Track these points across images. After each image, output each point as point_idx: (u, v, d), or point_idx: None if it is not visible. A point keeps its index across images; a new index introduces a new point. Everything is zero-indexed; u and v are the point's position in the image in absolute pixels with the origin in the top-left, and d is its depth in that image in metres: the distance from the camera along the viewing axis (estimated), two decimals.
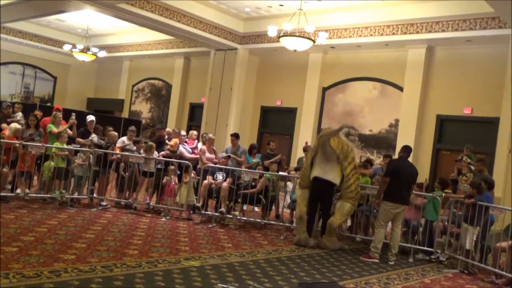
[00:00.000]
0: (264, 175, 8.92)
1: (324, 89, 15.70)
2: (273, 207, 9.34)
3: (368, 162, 9.26)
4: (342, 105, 15.27)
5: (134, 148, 9.47)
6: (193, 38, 16.39)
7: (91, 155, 8.77)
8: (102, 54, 19.13)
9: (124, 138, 9.71)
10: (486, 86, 12.26)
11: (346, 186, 7.57)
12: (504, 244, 6.74)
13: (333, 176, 7.55)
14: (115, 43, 21.53)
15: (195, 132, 10.69)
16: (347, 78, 15.20)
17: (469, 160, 9.39)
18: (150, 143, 9.16)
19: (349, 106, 15.09)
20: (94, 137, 9.30)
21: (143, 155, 9.00)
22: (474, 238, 7.08)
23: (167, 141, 9.76)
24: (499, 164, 11.16)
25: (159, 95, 21.61)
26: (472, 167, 8.95)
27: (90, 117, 10.03)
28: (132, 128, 9.96)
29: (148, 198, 9.05)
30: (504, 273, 6.61)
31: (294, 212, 8.58)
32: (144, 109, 22.18)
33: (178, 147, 9.70)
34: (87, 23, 18.28)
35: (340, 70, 15.31)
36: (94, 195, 8.97)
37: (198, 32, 15.67)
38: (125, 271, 5.07)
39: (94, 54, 18.61)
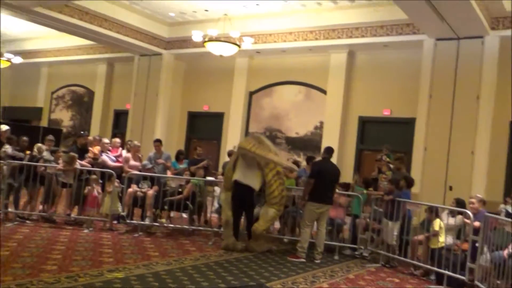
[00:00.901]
0: (191, 180, 8.82)
1: (251, 94, 15.82)
2: (202, 212, 9.26)
3: (295, 164, 9.40)
4: (269, 109, 15.46)
5: (52, 158, 9.02)
6: (116, 43, 15.92)
7: (4, 167, 8.24)
8: (18, 60, 18.10)
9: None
10: (403, 88, 12.89)
11: (269, 192, 7.64)
12: (420, 237, 7.10)
13: (252, 181, 7.61)
14: (32, 49, 20.44)
15: (118, 140, 10.37)
16: (273, 82, 15.40)
17: (388, 159, 9.81)
18: (72, 154, 8.73)
19: (276, 109, 15.30)
20: (7, 148, 8.74)
21: (61, 165, 8.56)
22: (395, 233, 7.40)
23: (90, 149, 9.40)
24: (416, 161, 11.77)
25: (81, 103, 20.77)
26: (391, 166, 9.36)
27: (4, 127, 9.43)
28: (50, 137, 9.49)
29: (68, 210, 8.64)
30: (421, 264, 6.96)
31: (218, 217, 8.58)
32: (65, 117, 21.22)
33: (101, 155, 9.37)
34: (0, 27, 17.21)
35: (266, 75, 15.49)
36: (9, 209, 8.43)
37: (121, 37, 15.25)
38: None
39: (9, 60, 17.56)
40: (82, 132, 9.83)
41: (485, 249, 6.09)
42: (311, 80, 14.63)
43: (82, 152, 9.19)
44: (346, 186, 8.92)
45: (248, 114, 15.81)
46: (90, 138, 10.37)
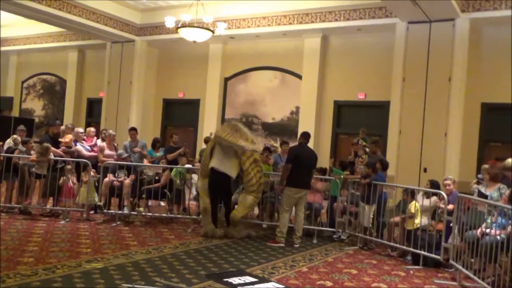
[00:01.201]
0: (173, 169, 8.78)
1: (226, 80, 15.72)
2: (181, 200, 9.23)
3: (267, 150, 9.40)
4: (244, 94, 15.41)
5: (24, 149, 8.83)
6: (87, 30, 15.56)
7: None
8: None
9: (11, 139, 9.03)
10: (377, 72, 12.99)
11: (247, 180, 7.65)
12: (397, 219, 7.24)
13: (228, 168, 7.62)
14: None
15: (92, 129, 10.20)
16: (248, 68, 15.33)
17: (364, 143, 9.90)
18: (46, 144, 8.52)
19: (251, 95, 15.26)
20: None
21: (34, 156, 8.39)
22: (371, 216, 7.52)
23: (61, 139, 9.22)
24: (391, 144, 11.94)
25: (53, 91, 20.33)
26: (367, 149, 9.45)
27: None
28: (21, 127, 9.30)
29: (42, 201, 8.49)
30: (398, 245, 7.10)
31: (197, 204, 8.57)
32: (36, 106, 20.75)
33: (75, 144, 9.22)
34: None
35: (241, 60, 15.41)
36: None
37: (92, 23, 14.91)
38: (19, 281, 4.71)
39: None
40: (54, 121, 9.63)
41: (456, 229, 6.24)
42: (286, 65, 14.62)
43: (55, 141, 9.01)
44: (323, 171, 8.99)
45: (223, 100, 15.73)
46: (63, 127, 10.18)
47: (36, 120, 19.69)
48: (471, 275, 5.65)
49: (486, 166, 8.93)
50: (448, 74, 11.27)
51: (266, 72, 15.02)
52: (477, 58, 11.42)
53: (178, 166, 9.04)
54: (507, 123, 10.82)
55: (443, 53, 11.32)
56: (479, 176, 9.13)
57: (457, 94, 11.28)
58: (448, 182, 7.27)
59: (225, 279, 5.25)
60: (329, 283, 5.45)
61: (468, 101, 11.38)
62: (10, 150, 8.57)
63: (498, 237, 5.38)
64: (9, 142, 8.99)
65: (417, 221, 6.89)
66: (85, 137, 9.74)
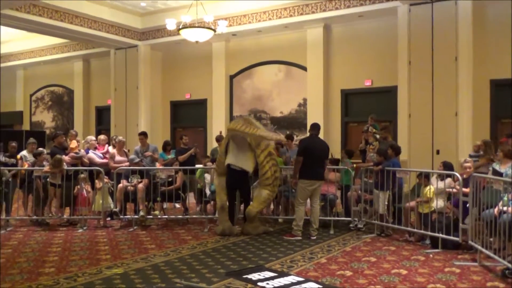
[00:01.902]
0: (198, 170, 8.87)
1: (231, 77, 15.72)
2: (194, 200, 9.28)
3: (280, 144, 9.39)
4: (250, 90, 15.40)
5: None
6: (90, 39, 15.66)
7: None
8: None
9: (25, 152, 9.13)
10: (382, 57, 12.90)
11: (262, 173, 7.65)
12: (412, 203, 7.20)
13: (245, 163, 7.61)
14: (4, 52, 20.00)
15: (102, 137, 10.26)
16: (252, 63, 15.31)
17: (374, 130, 9.86)
18: (58, 157, 8.57)
19: (258, 91, 15.25)
20: None
21: (47, 168, 8.45)
22: (386, 202, 7.49)
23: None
24: (401, 129, 11.86)
25: (61, 102, 20.49)
26: (377, 136, 9.42)
27: None
28: (31, 140, 9.40)
29: (58, 211, 8.58)
30: (415, 230, 7.07)
31: (213, 203, 8.59)
32: (46, 118, 20.94)
33: (87, 151, 9.31)
34: None
35: (245, 57, 15.39)
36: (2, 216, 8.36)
37: (94, 32, 14.98)
38: None
39: None
40: (57, 132, 9.75)
41: (471, 208, 6.19)
42: (290, 57, 14.57)
43: (63, 151, 9.10)
44: (336, 162, 8.96)
45: (230, 98, 15.74)
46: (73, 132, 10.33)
47: (47, 132, 19.88)
48: (491, 254, 5.61)
49: (478, 143, 9.03)
50: (454, 53, 11.16)
51: (271, 67, 14.99)
52: (482, 35, 11.28)
53: (191, 167, 9.09)
54: None
55: (448, 32, 11.20)
56: (471, 153, 9.19)
57: (465, 73, 11.17)
58: (468, 164, 7.19)
59: (244, 276, 5.27)
60: (348, 273, 5.45)
61: (476, 79, 11.26)
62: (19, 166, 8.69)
63: None
64: (23, 155, 9.11)
65: (432, 204, 6.85)
66: (97, 144, 9.81)
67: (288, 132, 11.35)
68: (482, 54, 11.24)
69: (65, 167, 8.51)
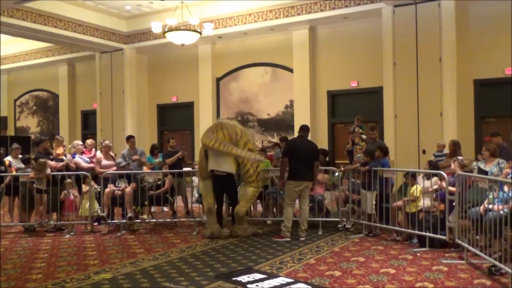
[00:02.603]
0: (169, 174, 8.79)
1: (218, 80, 15.73)
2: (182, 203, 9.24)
3: (277, 146, 9.38)
4: (237, 93, 15.42)
5: (23, 166, 8.84)
6: (74, 42, 15.55)
7: None
8: None
9: (9, 158, 9.03)
10: (368, 58, 13.01)
11: (244, 171, 7.62)
12: (399, 203, 7.25)
13: (227, 166, 7.59)
14: None
15: (89, 142, 10.18)
16: (239, 66, 15.34)
17: (360, 130, 9.94)
18: (42, 160, 8.50)
19: (244, 93, 15.27)
20: None
21: (33, 174, 8.36)
22: (374, 202, 7.54)
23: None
24: (387, 129, 11.97)
25: (46, 107, 20.30)
26: (364, 136, 9.48)
27: None
28: (15, 145, 9.30)
29: (45, 217, 8.49)
30: (403, 229, 7.12)
31: (201, 206, 8.56)
32: (31, 123, 20.73)
33: (73, 156, 9.23)
34: None
35: (231, 59, 15.41)
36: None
37: (78, 36, 14.88)
38: None
39: None
40: (41, 138, 9.66)
41: (457, 206, 6.26)
42: (276, 59, 14.63)
43: (48, 156, 9.01)
44: (325, 163, 8.99)
45: (217, 100, 15.75)
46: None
47: (32, 137, 19.67)
48: (478, 252, 5.67)
49: (441, 142, 9.22)
50: (438, 54, 11.30)
51: (257, 69, 15.03)
52: (465, 35, 11.44)
53: (179, 170, 9.06)
54: (499, 97, 10.87)
55: (431, 33, 11.34)
56: (435, 153, 9.36)
57: (449, 73, 11.32)
58: (465, 163, 7.22)
59: (234, 278, 5.26)
60: (337, 273, 5.47)
61: (460, 79, 11.41)
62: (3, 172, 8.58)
63: (501, 212, 5.41)
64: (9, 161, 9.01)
65: (419, 203, 6.92)
66: (84, 149, 9.73)
67: (282, 135, 11.40)
68: (465, 54, 11.40)
69: (49, 171, 8.41)
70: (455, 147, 8.63)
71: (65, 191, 8.42)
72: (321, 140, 13.46)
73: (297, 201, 7.72)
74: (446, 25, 11.26)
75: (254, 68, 15.09)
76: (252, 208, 9.23)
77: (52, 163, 8.78)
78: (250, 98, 15.18)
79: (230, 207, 8.11)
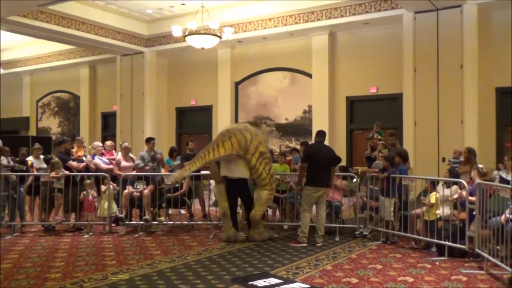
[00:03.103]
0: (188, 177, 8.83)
1: (237, 84, 15.79)
2: (199, 206, 9.28)
3: (296, 151, 9.40)
4: (256, 97, 15.45)
5: (45, 166, 8.99)
6: (96, 45, 15.79)
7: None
8: None
9: (31, 158, 9.18)
10: (388, 64, 12.94)
11: (257, 176, 7.55)
12: (418, 211, 7.17)
13: (240, 172, 7.57)
14: (11, 58, 20.21)
15: (109, 143, 10.30)
16: (258, 70, 15.39)
17: (379, 136, 9.86)
18: (54, 159, 8.65)
19: (263, 97, 15.30)
20: (3, 159, 8.66)
21: (53, 173, 8.48)
22: (392, 209, 7.46)
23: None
24: (407, 136, 11.86)
25: (67, 108, 20.62)
26: (382, 142, 9.40)
27: None
28: (36, 145, 9.45)
29: (61, 216, 8.60)
30: (421, 237, 7.04)
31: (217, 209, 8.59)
32: (52, 124, 21.06)
33: (93, 157, 9.35)
34: None
35: (250, 63, 15.47)
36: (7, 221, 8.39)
37: (100, 38, 15.11)
38: None
39: None
40: (63, 138, 9.79)
41: (478, 216, 6.16)
42: (295, 64, 14.63)
43: (69, 156, 9.12)
44: (344, 169, 8.95)
45: (236, 104, 15.80)
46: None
47: (54, 137, 20.00)
48: (498, 262, 5.58)
49: (458, 149, 9.02)
50: (460, 61, 11.18)
51: (276, 73, 15.05)
52: (487, 43, 11.30)
53: (197, 173, 9.08)
54: None
55: (453, 40, 11.23)
56: (451, 159, 9.21)
57: (470, 81, 11.18)
58: (485, 171, 7.11)
59: (250, 282, 5.26)
60: (354, 280, 5.43)
61: (482, 86, 11.26)
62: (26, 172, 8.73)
63: None
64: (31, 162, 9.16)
65: (438, 211, 6.83)
66: (104, 150, 9.84)
67: (301, 140, 11.39)
68: (487, 62, 11.25)
69: (63, 170, 8.48)
70: (470, 155, 8.51)
71: (84, 192, 8.52)
72: (339, 146, 13.41)
73: (314, 206, 7.69)
74: (468, 32, 11.14)
75: (273, 73, 15.11)
76: (269, 213, 9.23)
77: (74, 163, 8.90)
78: (268, 102, 15.20)
79: (245, 212, 8.11)
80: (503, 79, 11.15)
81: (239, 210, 8.28)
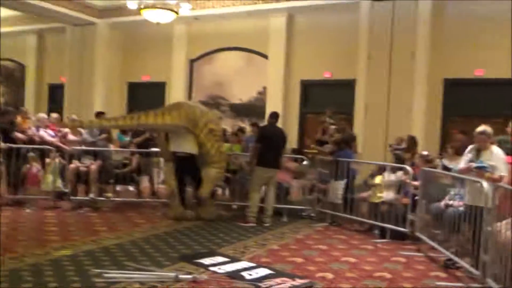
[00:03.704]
0: (137, 153, 8.68)
1: (192, 61, 15.53)
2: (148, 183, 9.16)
3: (240, 131, 9.41)
4: (210, 76, 15.25)
5: None
6: (45, 13, 15.06)
7: None
8: None
9: None
10: (343, 50, 12.99)
11: (205, 152, 7.49)
12: (364, 194, 7.38)
13: (188, 146, 7.49)
14: None
15: (55, 115, 9.94)
16: (214, 49, 15.17)
17: (331, 121, 10.01)
18: None
19: (218, 76, 15.12)
20: None
21: None
22: (340, 192, 7.64)
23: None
24: (358, 122, 12.09)
25: (12, 78, 19.65)
26: (334, 127, 9.56)
27: None
28: None
29: (5, 190, 8.26)
30: (365, 220, 7.26)
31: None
32: None
33: (37, 130, 9.00)
34: None
35: (206, 41, 15.19)
36: None
37: (50, 6, 14.38)
38: None
39: None
40: (6, 109, 9.36)
41: (420, 200, 6.42)
42: (252, 45, 14.50)
43: (13, 128, 8.73)
44: (296, 151, 9.05)
45: (190, 82, 15.56)
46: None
47: None
48: (436, 246, 5.84)
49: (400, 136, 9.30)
50: (412, 51, 11.44)
51: (232, 53, 14.89)
52: (439, 35, 11.59)
53: (146, 150, 8.95)
54: (467, 98, 11.14)
55: (407, 30, 11.45)
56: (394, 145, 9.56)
57: (421, 71, 11.48)
58: (430, 158, 7.38)
59: (196, 260, 5.26)
60: (299, 260, 5.54)
61: (431, 77, 11.60)
62: None
63: (461, 208, 5.56)
64: None
65: (381, 194, 7.05)
66: (49, 123, 9.48)
67: (243, 123, 11.41)
68: (438, 54, 11.56)
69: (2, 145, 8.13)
70: (411, 142, 8.80)
71: (27, 165, 8.21)
72: (291, 129, 13.50)
73: (263, 187, 7.75)
74: (422, 23, 11.39)
75: (229, 52, 14.94)
76: (219, 192, 9.22)
77: (20, 135, 8.53)
78: (223, 82, 15.06)
79: (194, 189, 8.05)
80: (451, 71, 11.53)
81: (188, 189, 8.22)
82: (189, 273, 4.72)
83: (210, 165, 7.55)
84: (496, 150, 5.37)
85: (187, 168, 7.70)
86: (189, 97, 15.33)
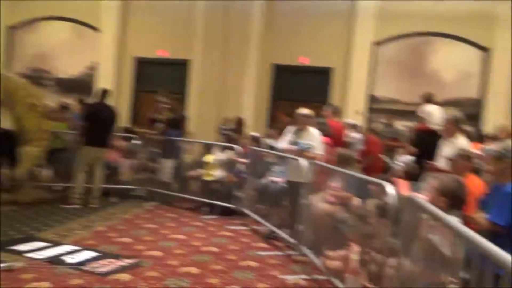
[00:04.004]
0: None
1: (11, 28, 13.91)
2: None
3: (64, 107, 8.75)
4: (33, 47, 13.87)
5: None
6: None
7: None
8: None
9: None
10: (179, 30, 12.91)
11: (23, 129, 6.81)
12: (195, 173, 7.51)
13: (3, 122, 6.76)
14: None
15: None
16: (38, 16, 13.79)
17: (164, 100, 9.89)
18: None
19: (42, 48, 13.82)
20: None
21: None
22: (170, 171, 7.65)
23: None
24: (192, 102, 12.20)
25: None
26: (168, 106, 9.48)
27: None
28: None
29: None
30: (195, 197, 7.40)
31: None
32: None
33: None
34: None
35: (29, 7, 13.72)
36: None
37: None
38: None
39: None
40: None
41: (247, 178, 6.78)
42: (82, 16, 13.55)
43: None
44: (127, 130, 8.76)
45: (8, 51, 13.95)
46: None
47: None
48: (259, 219, 6.22)
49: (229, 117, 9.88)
50: (246, 36, 11.91)
51: (59, 23, 13.74)
52: (270, 25, 12.28)
53: None
54: (293, 82, 12.05)
55: (242, 15, 11.88)
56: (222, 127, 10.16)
57: (253, 56, 12.03)
58: (257, 138, 7.73)
59: (9, 247, 4.77)
60: (128, 240, 5.41)
61: (262, 62, 12.23)
62: None
63: (282, 184, 6.00)
64: None
65: (213, 172, 7.25)
66: None
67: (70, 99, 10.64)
68: (269, 41, 12.23)
69: None
70: (239, 123, 9.26)
71: None
72: (124, 107, 13.03)
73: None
74: (256, 13, 11.95)
75: (56, 22, 13.75)
76: (41, 172, 8.49)
77: None
78: (48, 54, 13.81)
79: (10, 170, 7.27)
80: (279, 57, 12.30)
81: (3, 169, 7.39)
82: (2, 262, 4.27)
83: (29, 143, 6.87)
84: (314, 131, 5.89)
85: (2, 146, 6.90)
86: (6, 67, 13.76)
